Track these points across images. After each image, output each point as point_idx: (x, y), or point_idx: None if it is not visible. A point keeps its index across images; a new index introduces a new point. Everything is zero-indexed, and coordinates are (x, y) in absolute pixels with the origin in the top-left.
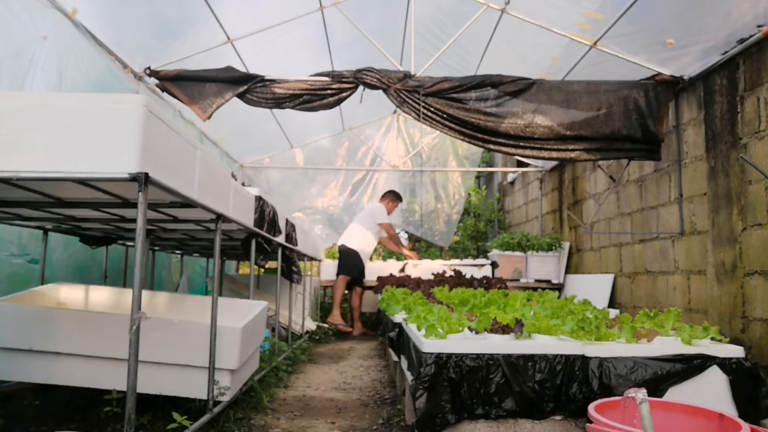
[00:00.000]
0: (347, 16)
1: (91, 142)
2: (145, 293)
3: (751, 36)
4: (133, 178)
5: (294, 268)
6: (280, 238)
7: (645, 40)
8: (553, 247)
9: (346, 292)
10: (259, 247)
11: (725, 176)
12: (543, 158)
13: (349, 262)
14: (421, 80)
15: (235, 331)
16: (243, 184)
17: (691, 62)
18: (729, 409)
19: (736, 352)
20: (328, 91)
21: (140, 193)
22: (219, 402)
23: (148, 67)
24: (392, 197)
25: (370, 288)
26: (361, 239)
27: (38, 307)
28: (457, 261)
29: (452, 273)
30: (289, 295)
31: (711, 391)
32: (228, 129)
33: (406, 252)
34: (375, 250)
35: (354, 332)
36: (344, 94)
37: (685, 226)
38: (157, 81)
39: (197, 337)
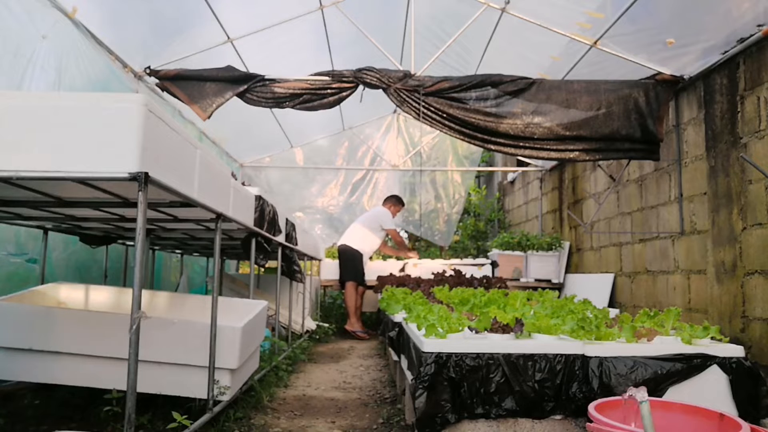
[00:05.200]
0: (347, 15)
1: (91, 141)
2: (145, 293)
3: (751, 35)
4: (133, 178)
5: (296, 267)
6: (280, 238)
7: (645, 39)
8: (553, 247)
9: (343, 291)
10: (259, 247)
11: (725, 176)
12: (543, 158)
13: (353, 265)
14: (421, 80)
15: (235, 330)
16: (243, 184)
17: (692, 62)
18: (729, 409)
19: (736, 351)
20: (328, 91)
21: (140, 193)
22: (219, 401)
23: (148, 67)
24: (395, 202)
25: (370, 287)
26: (363, 240)
27: (38, 307)
28: (457, 260)
29: (452, 272)
30: (289, 294)
31: (711, 391)
32: (228, 128)
33: (412, 255)
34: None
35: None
36: (344, 94)
37: (685, 225)
38: (157, 80)
39: (197, 336)
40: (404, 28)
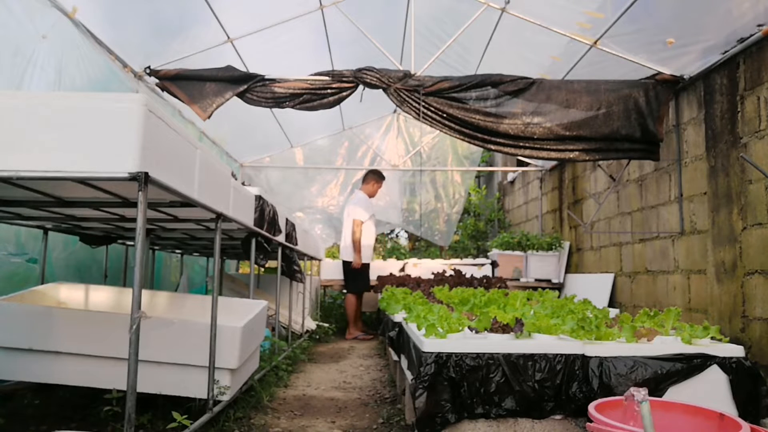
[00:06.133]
0: (347, 15)
1: (91, 141)
2: (145, 293)
3: (751, 35)
4: (133, 178)
5: (296, 267)
6: (280, 238)
7: (645, 39)
8: (553, 247)
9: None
10: (259, 247)
11: (725, 175)
12: (543, 158)
13: (359, 277)
14: (421, 79)
15: (235, 330)
16: (243, 184)
17: (692, 61)
18: (729, 409)
19: (736, 351)
20: (328, 91)
21: (140, 193)
22: (219, 401)
23: (148, 67)
24: (375, 178)
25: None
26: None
27: (38, 307)
28: (457, 260)
29: (452, 272)
30: (289, 294)
31: (711, 391)
32: (228, 128)
33: (357, 258)
34: (375, 248)
35: (362, 331)
36: (344, 94)
37: (685, 225)
38: (157, 80)
39: (197, 336)
40: (404, 28)
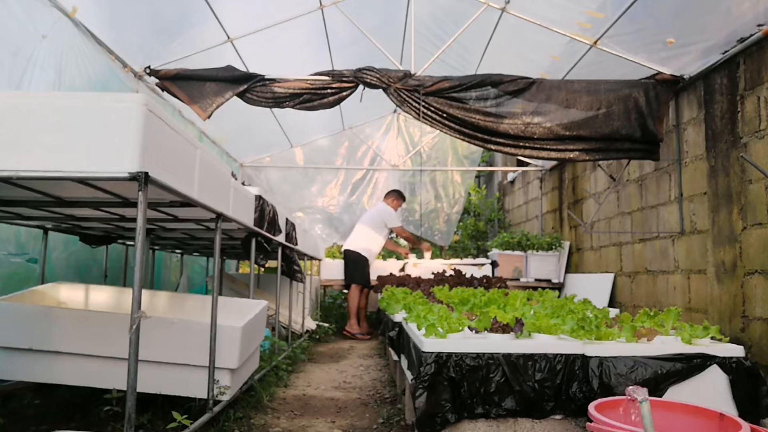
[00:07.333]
0: (347, 15)
1: (91, 141)
2: (145, 292)
3: (751, 35)
4: (133, 178)
5: (296, 267)
6: (280, 238)
7: (645, 39)
8: (553, 247)
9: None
10: (259, 247)
11: (725, 175)
12: (543, 158)
13: (358, 269)
14: (421, 79)
15: (236, 330)
16: (243, 183)
17: (692, 61)
18: (729, 409)
19: (736, 351)
20: (328, 91)
21: (140, 193)
22: (219, 401)
23: (148, 66)
24: (396, 196)
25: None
26: (369, 241)
27: (38, 307)
28: (457, 260)
29: (452, 272)
30: (289, 294)
31: (711, 391)
32: (228, 128)
33: (423, 247)
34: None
35: (362, 331)
36: (344, 94)
37: (685, 225)
38: (157, 80)
39: (197, 336)
40: (404, 28)
